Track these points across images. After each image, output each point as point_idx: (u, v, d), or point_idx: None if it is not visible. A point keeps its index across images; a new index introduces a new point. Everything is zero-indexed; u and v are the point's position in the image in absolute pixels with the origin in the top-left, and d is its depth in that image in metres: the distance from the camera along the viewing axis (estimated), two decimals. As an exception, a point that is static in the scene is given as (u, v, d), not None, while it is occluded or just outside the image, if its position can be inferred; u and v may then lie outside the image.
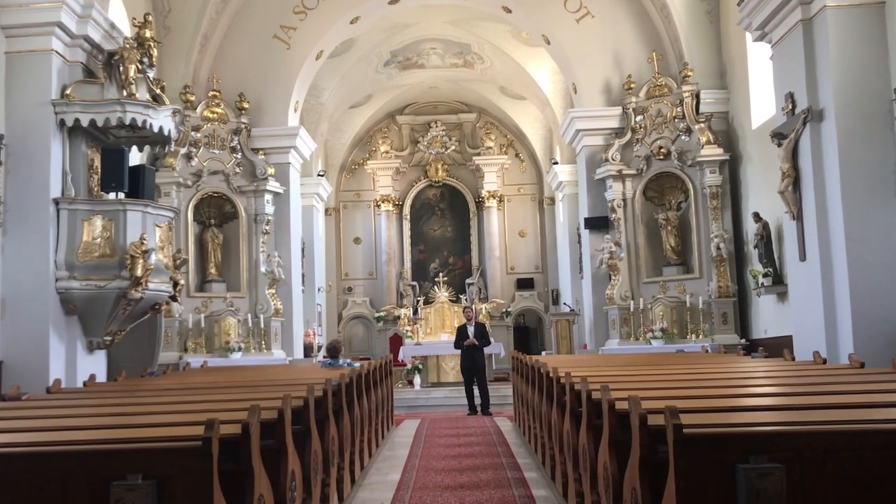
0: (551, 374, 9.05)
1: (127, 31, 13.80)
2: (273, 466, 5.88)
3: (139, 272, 11.90)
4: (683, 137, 17.87)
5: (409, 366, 20.89)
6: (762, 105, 15.97)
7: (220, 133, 18.57)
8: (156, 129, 12.62)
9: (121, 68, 12.46)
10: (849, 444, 4.63)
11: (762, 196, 15.91)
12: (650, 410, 5.19)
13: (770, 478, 4.44)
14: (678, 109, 18.00)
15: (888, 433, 4.76)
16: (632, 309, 18.02)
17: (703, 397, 6.64)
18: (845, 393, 6.69)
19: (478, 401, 17.15)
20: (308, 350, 20.47)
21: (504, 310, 26.36)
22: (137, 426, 5.94)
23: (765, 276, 15.24)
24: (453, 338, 18.36)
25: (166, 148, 15.07)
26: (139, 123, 12.35)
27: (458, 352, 17.77)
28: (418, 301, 25.73)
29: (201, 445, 4.85)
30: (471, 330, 17.44)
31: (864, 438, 4.69)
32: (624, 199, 18.50)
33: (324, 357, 18.86)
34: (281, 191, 19.01)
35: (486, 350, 17.93)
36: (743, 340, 16.67)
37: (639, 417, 5.15)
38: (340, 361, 12.34)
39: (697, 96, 17.94)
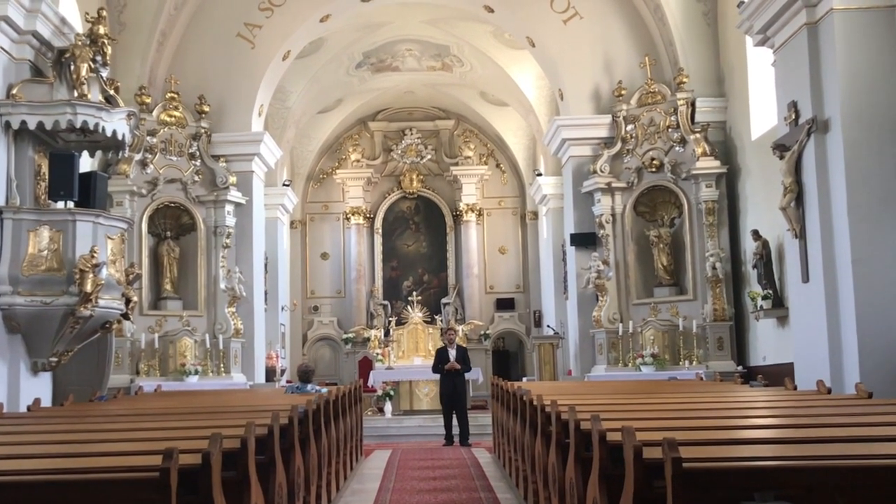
0: (535, 402, 9.03)
1: (79, 27, 13.71)
2: (235, 500, 5.83)
3: (89, 288, 11.77)
4: (677, 148, 17.93)
5: (379, 392, 20.80)
6: (763, 115, 16.04)
7: (177, 138, 18.47)
8: (109, 133, 12.52)
9: (72, 67, 12.36)
10: (861, 482, 4.64)
11: (762, 212, 15.99)
12: (645, 442, 5.17)
13: (776, 516, 4.44)
14: (672, 118, 18.05)
15: (904, 469, 4.77)
16: (620, 332, 18.01)
17: (701, 429, 6.63)
18: (855, 425, 6.70)
19: (456, 430, 17.03)
20: (270, 374, 20.34)
21: (482, 332, 26.14)
22: (89, 455, 5.87)
23: (764, 298, 15.28)
24: (427, 361, 18.22)
25: (119, 154, 14.88)
26: (91, 126, 12.26)
27: (436, 377, 17.63)
28: (390, 322, 25.51)
29: (159, 477, 4.82)
30: (452, 354, 17.24)
31: (877, 475, 4.69)
32: (613, 214, 18.51)
33: (287, 382, 18.80)
34: (243, 201, 18.92)
35: (466, 376, 17.77)
36: (740, 368, 16.67)
37: (633, 450, 5.13)
38: (309, 387, 12.28)
39: (693, 104, 18.00)
